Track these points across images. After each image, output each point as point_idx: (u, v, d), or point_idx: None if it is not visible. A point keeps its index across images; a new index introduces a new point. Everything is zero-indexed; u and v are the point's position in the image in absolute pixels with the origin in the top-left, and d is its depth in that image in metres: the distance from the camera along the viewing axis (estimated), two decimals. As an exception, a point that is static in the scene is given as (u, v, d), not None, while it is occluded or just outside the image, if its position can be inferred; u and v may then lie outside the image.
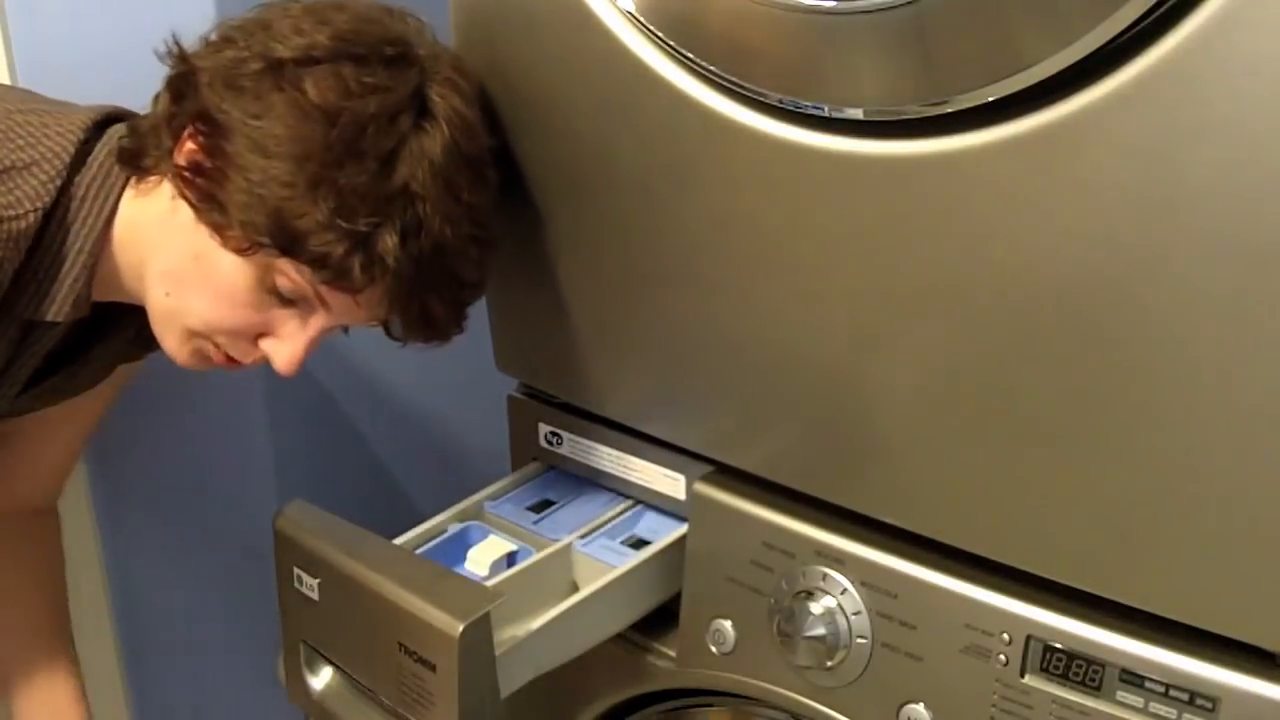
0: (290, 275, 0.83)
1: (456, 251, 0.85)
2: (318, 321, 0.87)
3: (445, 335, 0.90)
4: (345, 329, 0.91)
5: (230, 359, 0.89)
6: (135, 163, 0.88)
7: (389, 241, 0.81)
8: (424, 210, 0.82)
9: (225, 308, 0.85)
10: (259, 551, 0.96)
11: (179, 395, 1.22)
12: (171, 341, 0.89)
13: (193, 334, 0.88)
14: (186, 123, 0.84)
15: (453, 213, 0.84)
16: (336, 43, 0.82)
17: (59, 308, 0.87)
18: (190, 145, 0.84)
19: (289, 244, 0.81)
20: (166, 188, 0.86)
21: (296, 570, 0.90)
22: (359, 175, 0.80)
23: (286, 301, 0.85)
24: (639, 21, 0.80)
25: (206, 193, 0.83)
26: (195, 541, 1.07)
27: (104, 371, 1.03)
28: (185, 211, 0.84)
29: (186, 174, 0.84)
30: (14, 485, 1.12)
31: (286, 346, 0.87)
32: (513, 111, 0.92)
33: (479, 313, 1.03)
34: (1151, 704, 0.71)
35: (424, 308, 0.86)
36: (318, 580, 0.89)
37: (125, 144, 0.88)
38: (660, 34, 0.79)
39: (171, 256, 0.86)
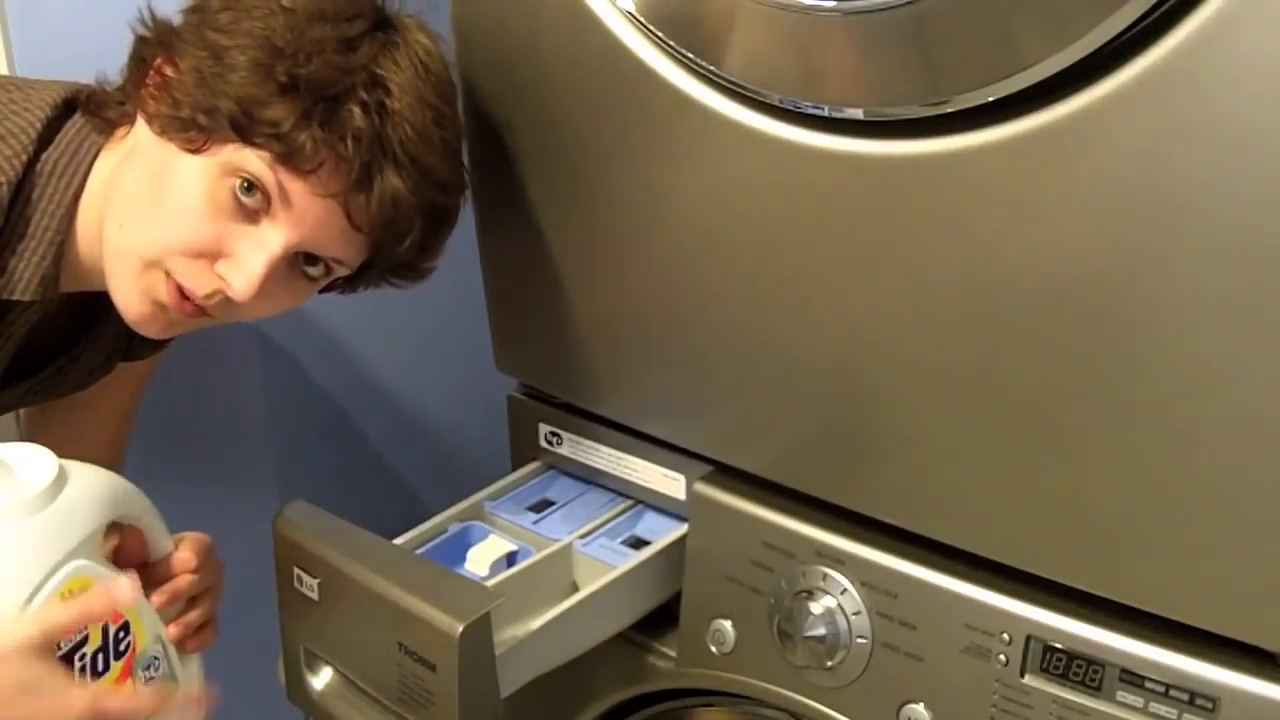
0: (247, 162, 0.81)
1: (423, 136, 0.83)
2: (277, 236, 0.83)
3: (411, 229, 0.85)
4: (312, 275, 0.87)
5: (184, 296, 0.84)
6: (101, 113, 0.88)
7: (349, 109, 0.80)
8: (386, 91, 0.82)
9: (182, 222, 0.82)
10: (259, 552, 0.96)
11: (179, 395, 1.21)
12: (124, 284, 0.86)
13: (146, 265, 0.84)
14: (155, 52, 0.85)
15: (419, 102, 0.83)
16: None
17: (26, 286, 0.86)
18: (157, 71, 0.85)
19: (243, 121, 0.80)
20: (133, 132, 0.86)
21: (296, 570, 0.90)
22: (317, 48, 0.80)
23: (245, 214, 0.83)
24: (639, 21, 0.80)
25: (164, 96, 0.83)
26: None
27: (99, 367, 1.03)
28: (146, 134, 0.84)
29: (150, 92, 0.84)
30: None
31: (244, 266, 0.83)
32: (513, 111, 0.92)
33: (479, 312, 1.03)
34: (1151, 704, 0.71)
35: (386, 184, 0.82)
36: (318, 580, 0.89)
37: (94, 97, 0.88)
38: (660, 34, 0.79)
39: (129, 183, 0.85)
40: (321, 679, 0.94)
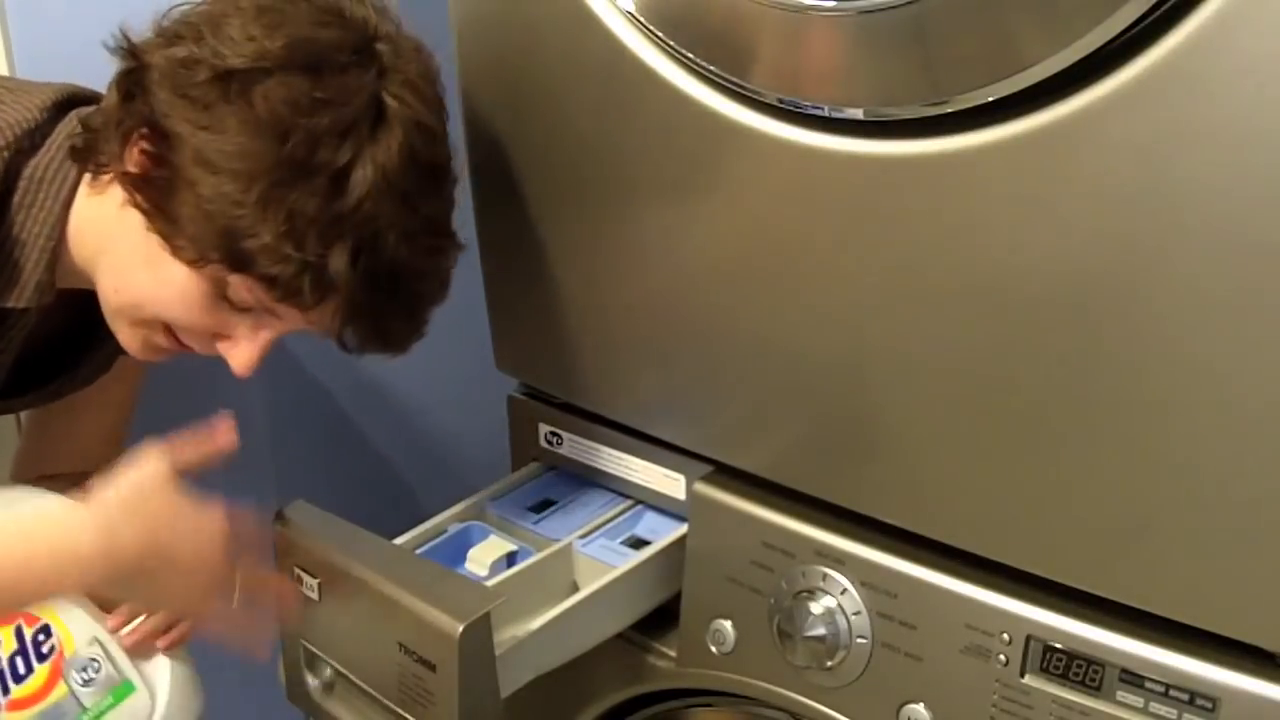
0: (241, 290, 0.82)
1: (414, 270, 0.83)
2: (272, 327, 0.85)
3: (403, 347, 0.89)
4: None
5: (183, 345, 0.87)
6: (86, 160, 0.86)
7: (340, 263, 0.79)
8: (378, 230, 0.80)
9: (178, 311, 0.84)
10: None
11: (178, 396, 1.21)
12: (124, 333, 0.88)
13: (145, 323, 0.86)
14: (135, 126, 0.82)
15: (409, 228, 0.82)
16: (289, 52, 0.79)
17: (20, 293, 0.86)
18: (138, 152, 0.82)
19: (239, 262, 0.80)
20: (118, 188, 0.85)
21: (296, 570, 0.90)
22: (310, 195, 0.78)
23: (239, 308, 0.84)
24: (639, 21, 0.80)
25: (156, 203, 0.81)
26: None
27: (104, 367, 1.03)
28: (136, 216, 0.83)
29: (135, 181, 0.82)
30: (68, 451, 1.11)
31: (243, 350, 0.85)
32: (513, 111, 0.92)
33: (479, 313, 1.03)
34: (1151, 704, 0.71)
35: (378, 324, 0.85)
36: (318, 580, 0.89)
37: (77, 142, 0.86)
38: (660, 34, 0.79)
39: (123, 258, 0.85)
40: (321, 679, 0.94)
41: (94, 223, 0.87)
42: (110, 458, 1.13)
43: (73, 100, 0.90)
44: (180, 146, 0.80)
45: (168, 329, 0.86)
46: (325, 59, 0.80)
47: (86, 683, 0.85)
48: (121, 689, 0.87)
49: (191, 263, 0.81)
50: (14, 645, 0.81)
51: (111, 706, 0.86)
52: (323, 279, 0.80)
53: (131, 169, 0.83)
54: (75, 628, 0.85)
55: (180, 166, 0.80)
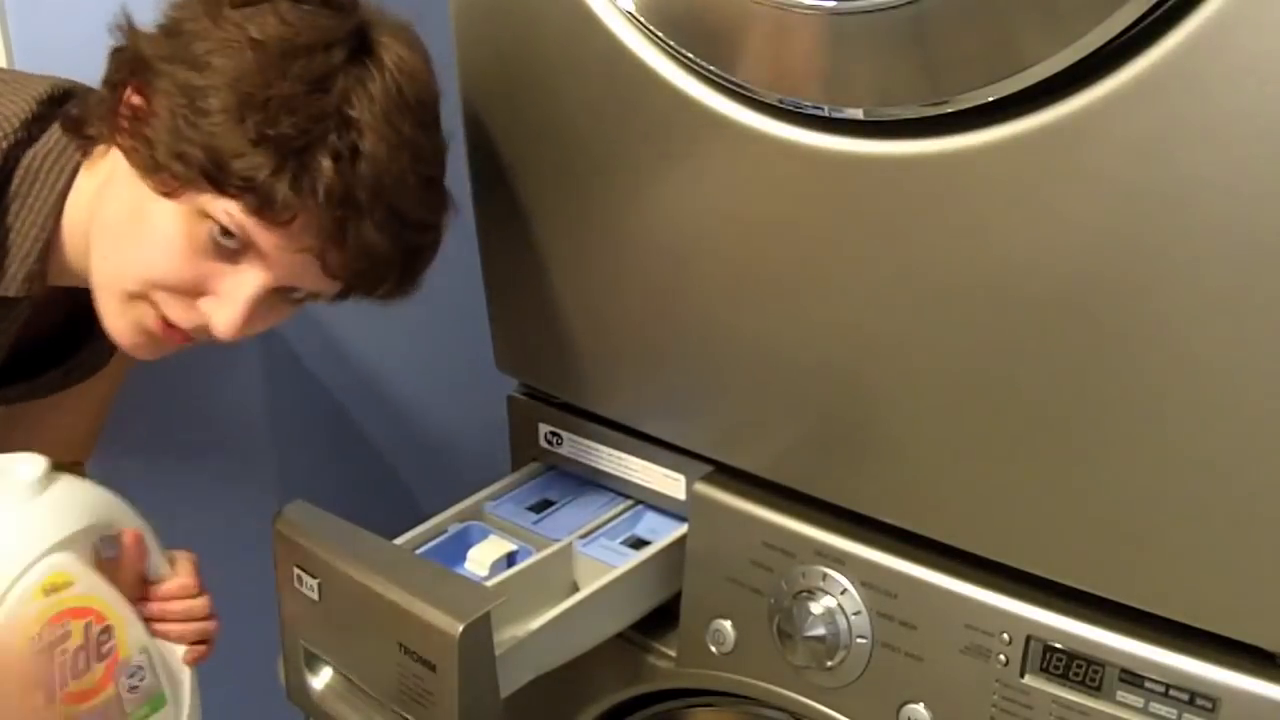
0: (220, 213, 0.80)
1: (398, 180, 0.81)
2: (256, 278, 0.83)
3: (388, 276, 0.86)
4: (295, 298, 0.88)
5: (169, 326, 0.85)
6: (80, 130, 0.87)
7: (320, 161, 0.79)
8: (359, 133, 0.80)
9: (161, 260, 0.82)
10: (259, 552, 0.96)
11: (179, 395, 1.21)
12: (112, 313, 0.86)
13: (131, 297, 0.85)
14: (126, 78, 0.83)
15: (392, 142, 0.81)
16: None
17: (9, 282, 0.86)
18: (129, 100, 0.83)
19: (215, 173, 0.79)
20: (111, 155, 0.85)
21: (296, 570, 0.90)
22: (288, 93, 0.78)
23: (223, 254, 0.82)
24: (639, 21, 0.80)
25: (138, 133, 0.82)
26: (195, 542, 1.07)
27: (102, 359, 1.03)
28: (123, 166, 0.83)
29: (124, 123, 0.83)
30: (38, 446, 1.10)
31: (225, 307, 0.83)
32: (513, 112, 0.92)
33: (479, 312, 1.03)
34: (1151, 704, 0.71)
35: (361, 238, 0.81)
36: (318, 580, 0.89)
37: (72, 113, 0.87)
38: (660, 34, 0.79)
39: (110, 216, 0.85)
40: (321, 679, 0.94)
41: (88, 200, 0.87)
42: (79, 455, 1.14)
43: (70, 93, 0.90)
44: (164, 75, 0.81)
45: (155, 307, 0.85)
46: (309, 38, 0.81)
47: (132, 689, 0.86)
48: (157, 699, 0.88)
49: (171, 191, 0.81)
50: (81, 640, 0.83)
51: (145, 717, 0.87)
52: (299, 178, 0.78)
53: (123, 114, 0.83)
54: (131, 633, 0.86)
55: (163, 91, 0.81)
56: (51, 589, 0.80)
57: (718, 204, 0.82)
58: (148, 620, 0.90)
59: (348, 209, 0.80)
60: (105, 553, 0.87)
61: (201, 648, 0.93)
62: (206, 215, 0.81)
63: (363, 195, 0.80)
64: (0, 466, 0.83)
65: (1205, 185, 0.61)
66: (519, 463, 1.07)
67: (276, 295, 0.86)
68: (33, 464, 0.83)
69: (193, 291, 0.84)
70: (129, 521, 0.89)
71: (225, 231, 0.81)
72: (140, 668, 0.87)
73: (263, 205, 0.79)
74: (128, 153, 0.83)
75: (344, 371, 1.34)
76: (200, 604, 0.92)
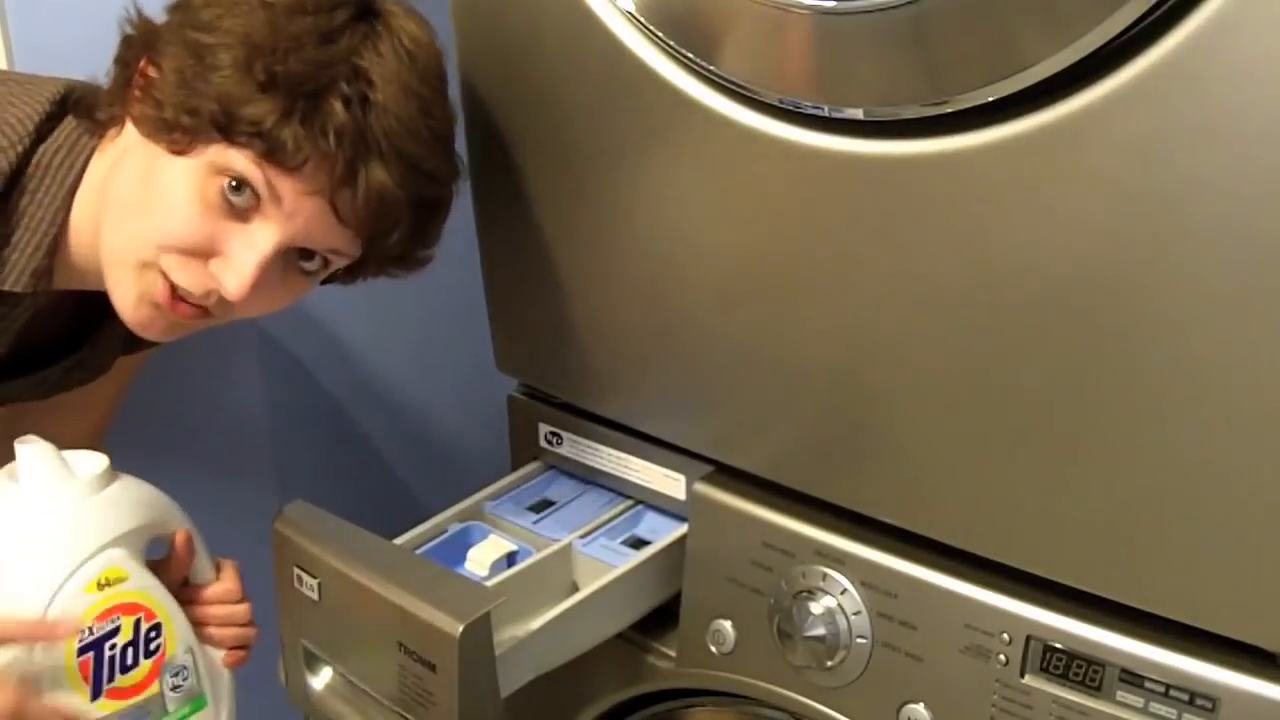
0: (231, 162, 0.80)
1: (407, 127, 0.82)
2: (268, 234, 0.82)
3: (399, 222, 0.85)
4: (308, 270, 0.87)
5: (177, 300, 0.85)
6: (91, 114, 0.87)
7: (331, 104, 0.79)
8: (369, 83, 0.81)
9: (172, 220, 0.82)
10: (259, 552, 0.96)
11: (179, 395, 1.22)
12: (121, 286, 0.86)
13: (142, 267, 0.84)
14: (139, 54, 0.84)
15: (402, 94, 0.82)
16: None
17: (17, 277, 0.86)
18: (142, 73, 0.84)
19: (224, 121, 0.79)
20: (123, 134, 0.86)
21: (296, 570, 0.90)
22: (297, 42, 0.79)
23: (235, 212, 0.82)
24: (639, 21, 0.80)
25: (148, 97, 0.83)
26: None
27: (104, 366, 1.03)
28: (134, 136, 0.84)
29: (137, 95, 0.84)
30: None
31: (236, 266, 0.83)
32: (513, 111, 0.92)
33: (479, 312, 1.03)
34: (1151, 704, 0.71)
35: (371, 179, 0.81)
36: (318, 580, 0.89)
37: (83, 98, 0.88)
38: (660, 34, 0.79)
39: (121, 185, 0.85)
40: (321, 679, 0.94)
41: (97, 186, 0.87)
42: (97, 441, 1.14)
43: (76, 92, 0.90)
44: (176, 42, 0.82)
45: (164, 276, 0.84)
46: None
47: (175, 688, 0.88)
48: (199, 701, 0.90)
49: (183, 149, 0.81)
50: (130, 635, 0.84)
51: (185, 717, 0.88)
52: (310, 124, 0.79)
53: (136, 88, 0.84)
54: (178, 632, 0.87)
55: (174, 54, 0.82)
56: (105, 583, 0.82)
57: (717, 204, 0.82)
58: (191, 622, 0.91)
59: (358, 149, 0.81)
60: (155, 552, 0.89)
61: (241, 652, 0.94)
62: (218, 169, 0.81)
63: (373, 138, 0.81)
64: (62, 460, 0.84)
65: (1205, 185, 0.61)
66: (519, 463, 1.07)
67: (288, 263, 0.86)
68: (94, 461, 0.85)
69: (204, 253, 0.83)
70: (180, 524, 0.91)
71: (236, 187, 0.81)
72: (185, 668, 0.88)
73: (272, 149, 0.80)
74: (139, 121, 0.83)
75: (344, 371, 1.34)
76: (242, 610, 0.94)
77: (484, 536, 0.97)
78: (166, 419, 1.23)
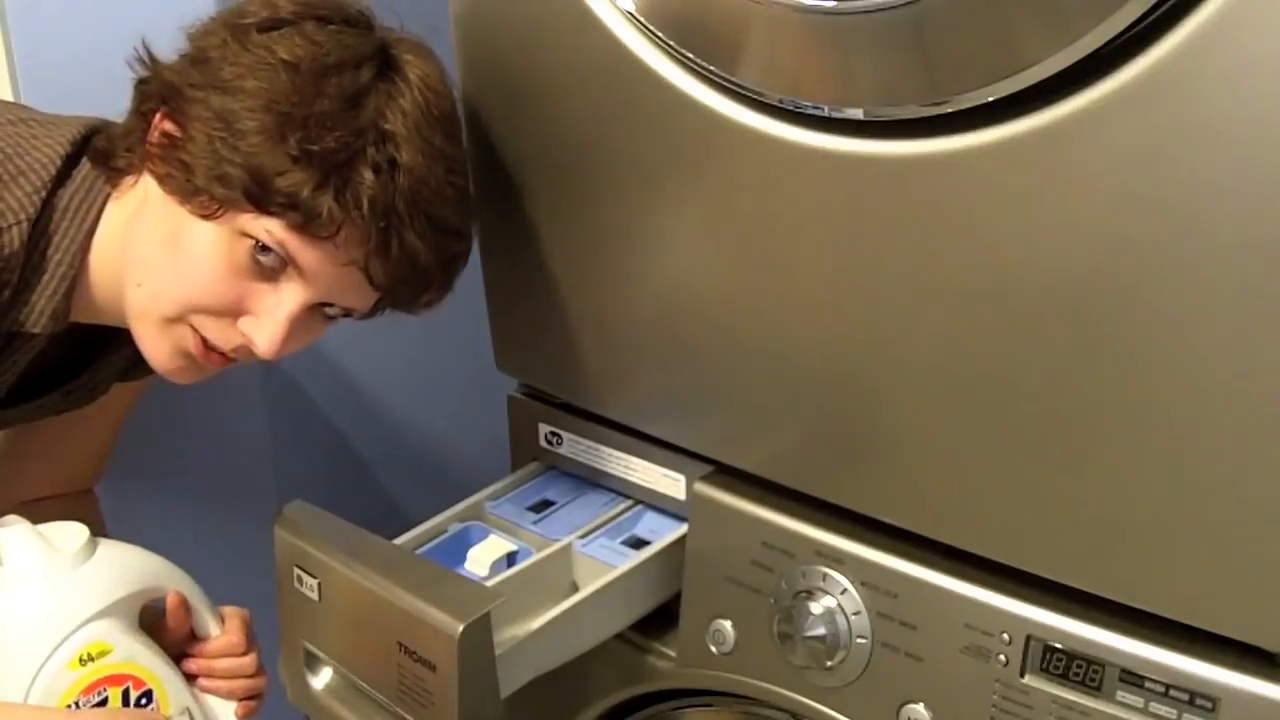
0: (262, 231, 0.81)
1: (435, 190, 0.83)
2: (296, 294, 0.84)
3: (430, 284, 0.87)
4: (330, 315, 0.89)
5: (210, 349, 0.86)
6: (108, 162, 0.88)
7: (362, 174, 0.80)
8: (395, 146, 0.81)
9: (199, 283, 0.83)
10: (259, 552, 0.96)
11: (179, 396, 1.21)
12: (151, 340, 0.87)
13: (169, 322, 0.85)
14: (156, 107, 0.84)
15: (427, 154, 0.82)
16: (299, 7, 0.83)
17: (37, 319, 0.87)
18: (160, 128, 0.84)
19: (257, 192, 0.80)
20: (141, 185, 0.86)
21: (296, 570, 0.90)
22: (325, 109, 0.80)
23: (263, 273, 0.83)
24: (639, 21, 0.80)
25: (173, 159, 0.82)
26: (195, 541, 1.07)
27: (101, 389, 1.03)
28: (156, 193, 0.84)
29: (155, 150, 0.84)
30: (50, 471, 1.11)
31: (266, 325, 0.84)
32: (513, 111, 0.92)
33: (479, 313, 1.03)
34: (1151, 704, 0.71)
35: (404, 246, 0.82)
36: (318, 580, 0.89)
37: (99, 145, 0.88)
38: (660, 34, 0.79)
39: (144, 243, 0.85)
40: (321, 679, 0.94)
41: (118, 232, 0.88)
42: (90, 480, 1.14)
43: (98, 132, 0.91)
44: (197, 101, 0.82)
45: (194, 330, 0.85)
46: (334, 12, 0.84)
47: None
48: None
49: (211, 214, 0.81)
50: (118, 705, 0.85)
51: None
52: (343, 191, 0.79)
53: (153, 142, 0.84)
54: (172, 694, 0.88)
55: (197, 117, 0.82)
56: (88, 658, 0.83)
57: (717, 204, 0.82)
58: (195, 676, 0.91)
59: (390, 219, 0.81)
60: (149, 615, 0.89)
61: (252, 703, 0.95)
62: (246, 235, 0.82)
63: (403, 205, 0.81)
64: (42, 539, 0.84)
65: (1205, 186, 0.61)
66: (519, 463, 1.07)
67: (313, 312, 0.87)
68: (73, 535, 0.86)
69: (232, 312, 0.85)
70: (173, 583, 0.91)
71: (264, 250, 0.82)
72: None
73: (307, 221, 0.80)
74: (162, 179, 0.83)
75: (344, 372, 1.34)
76: (247, 662, 0.95)
77: (484, 536, 0.97)
78: (167, 420, 1.23)
